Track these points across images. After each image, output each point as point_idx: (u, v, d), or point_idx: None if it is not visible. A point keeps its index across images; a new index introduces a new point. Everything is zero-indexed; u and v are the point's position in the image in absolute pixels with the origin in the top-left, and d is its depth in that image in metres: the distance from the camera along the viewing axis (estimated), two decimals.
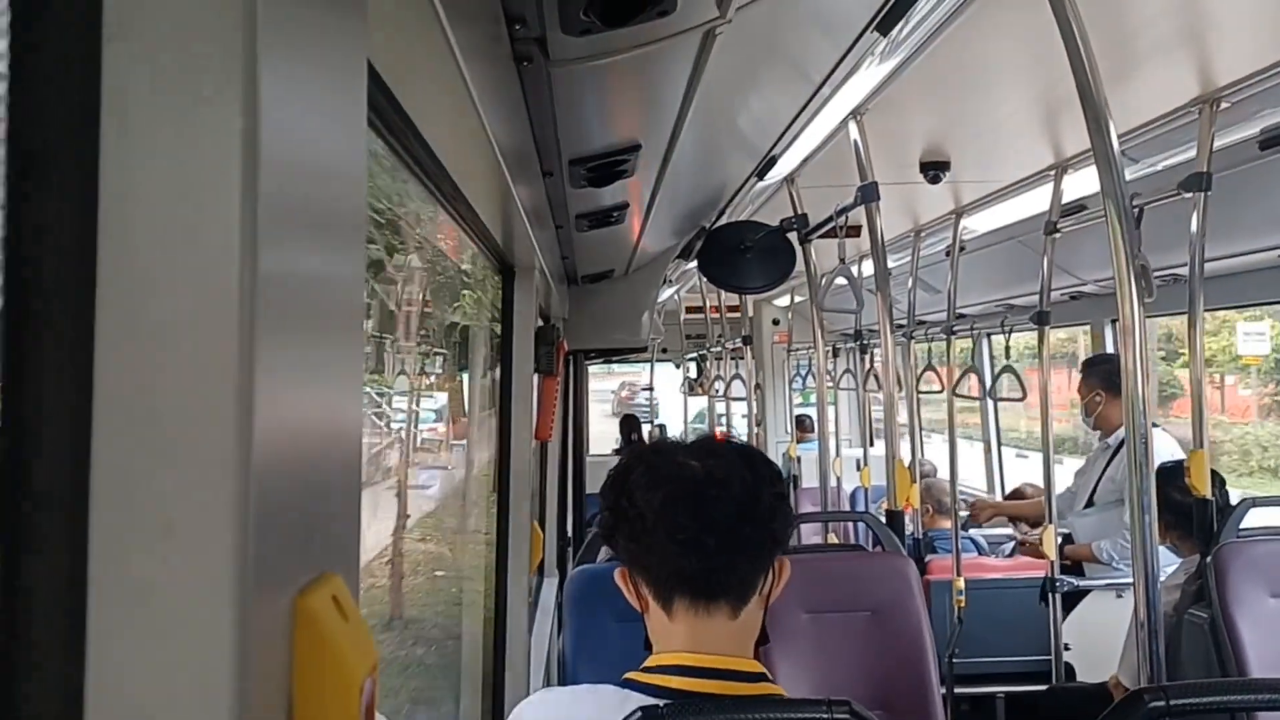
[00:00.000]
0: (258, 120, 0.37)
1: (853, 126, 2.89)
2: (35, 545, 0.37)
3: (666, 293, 6.83)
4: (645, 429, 9.88)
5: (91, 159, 0.36)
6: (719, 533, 1.15)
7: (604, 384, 18.45)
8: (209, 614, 0.36)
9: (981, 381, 5.16)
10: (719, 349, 7.61)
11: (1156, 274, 3.15)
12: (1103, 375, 4.01)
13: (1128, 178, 3.24)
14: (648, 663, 1.22)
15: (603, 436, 11.14)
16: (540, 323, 2.46)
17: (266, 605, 0.39)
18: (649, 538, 1.17)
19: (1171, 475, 2.89)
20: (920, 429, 5.69)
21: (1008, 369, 4.70)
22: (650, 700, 1.14)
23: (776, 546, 1.21)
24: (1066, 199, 3.60)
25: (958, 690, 3.78)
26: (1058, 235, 3.64)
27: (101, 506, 0.37)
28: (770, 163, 2.99)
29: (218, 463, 0.37)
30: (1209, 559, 2.68)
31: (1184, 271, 2.96)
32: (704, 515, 1.15)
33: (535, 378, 2.44)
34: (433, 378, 3.16)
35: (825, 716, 1.09)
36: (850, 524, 5.40)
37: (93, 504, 0.36)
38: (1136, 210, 3.04)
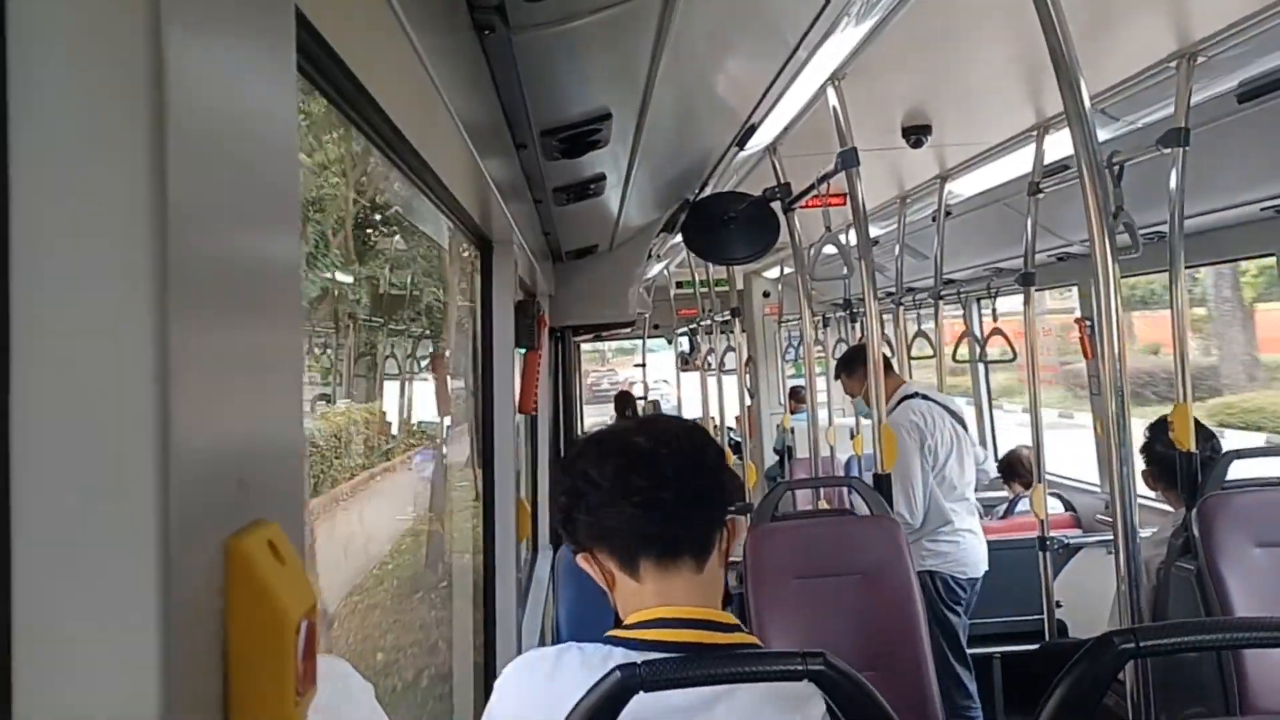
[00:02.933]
0: (164, 66, 0.38)
1: (831, 92, 2.89)
2: None
3: (655, 268, 6.82)
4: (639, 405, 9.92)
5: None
6: (673, 488, 1.20)
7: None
8: (132, 553, 0.37)
9: (973, 345, 5.18)
10: (709, 323, 7.62)
11: (1141, 231, 3.17)
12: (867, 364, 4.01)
13: (1109, 136, 3.24)
14: (627, 621, 1.24)
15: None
16: (521, 297, 2.47)
17: (192, 545, 0.40)
18: (608, 507, 1.21)
19: (1160, 429, 2.92)
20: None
21: (997, 331, 4.72)
22: (633, 653, 1.16)
23: (727, 502, 1.26)
24: (1050, 159, 3.60)
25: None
26: (1041, 196, 3.65)
27: (20, 461, 0.38)
28: (750, 131, 2.98)
29: (135, 421, 0.38)
30: (1194, 511, 2.71)
31: (1166, 228, 2.96)
32: (657, 474, 1.20)
33: (518, 352, 2.45)
34: None
35: (800, 668, 1.10)
36: (846, 494, 5.41)
37: (13, 458, 0.37)
38: (1117, 168, 3.05)
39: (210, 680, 0.42)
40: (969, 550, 3.74)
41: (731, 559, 1.35)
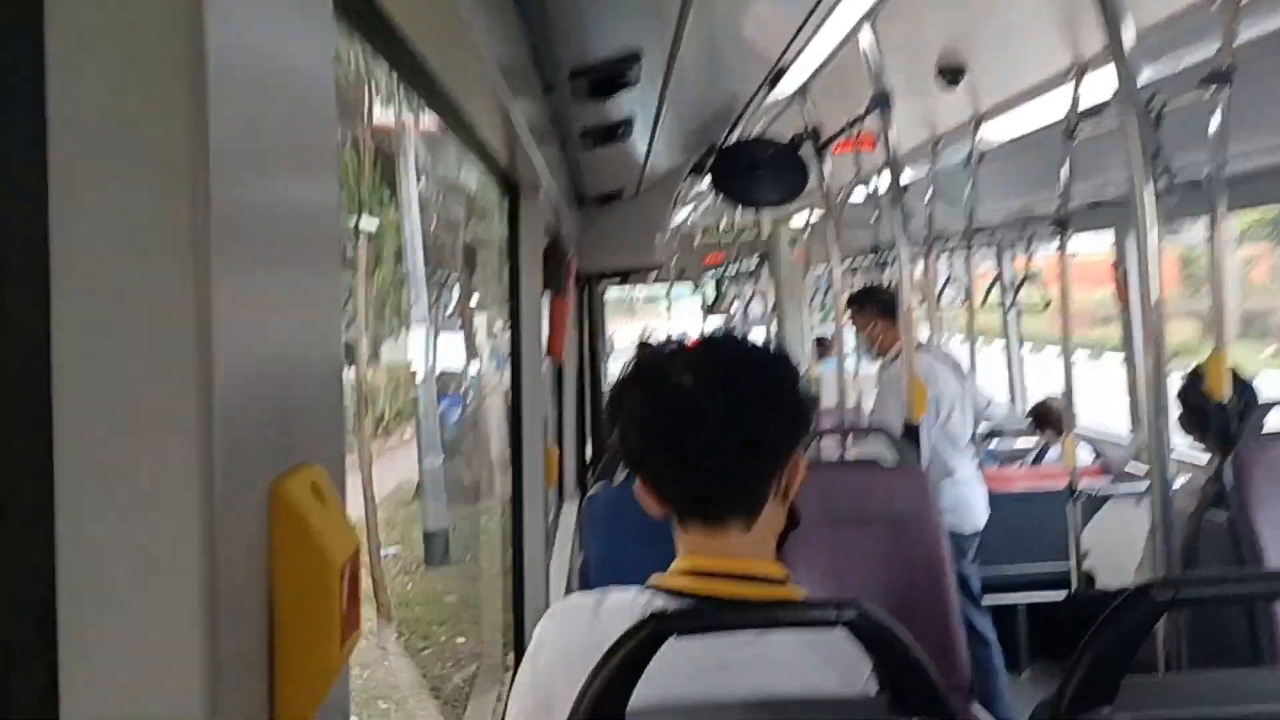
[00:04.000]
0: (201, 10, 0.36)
1: (865, 33, 2.82)
2: None
3: (682, 213, 6.77)
4: None
5: (38, 57, 0.36)
6: (716, 443, 1.12)
7: None
8: (176, 492, 0.37)
9: (1004, 291, 5.14)
10: (735, 269, 7.57)
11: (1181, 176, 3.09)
12: (879, 305, 4.12)
13: (1150, 76, 3.15)
14: (672, 567, 1.23)
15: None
16: (547, 241, 2.45)
17: (238, 488, 0.39)
18: (646, 464, 1.17)
19: (1197, 377, 2.88)
20: (941, 342, 5.68)
21: (1030, 277, 4.67)
22: (674, 602, 1.16)
23: (790, 440, 1.17)
24: (1088, 102, 3.51)
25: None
26: (1076, 140, 3.57)
27: (63, 396, 0.37)
28: (780, 73, 2.92)
29: (179, 360, 0.37)
30: (1228, 461, 2.67)
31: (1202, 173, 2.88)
32: (696, 426, 1.12)
33: (546, 296, 2.43)
34: None
35: (834, 616, 1.09)
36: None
37: (55, 392, 0.37)
38: (1156, 111, 2.97)
39: (256, 623, 0.41)
40: (970, 502, 3.81)
41: None
